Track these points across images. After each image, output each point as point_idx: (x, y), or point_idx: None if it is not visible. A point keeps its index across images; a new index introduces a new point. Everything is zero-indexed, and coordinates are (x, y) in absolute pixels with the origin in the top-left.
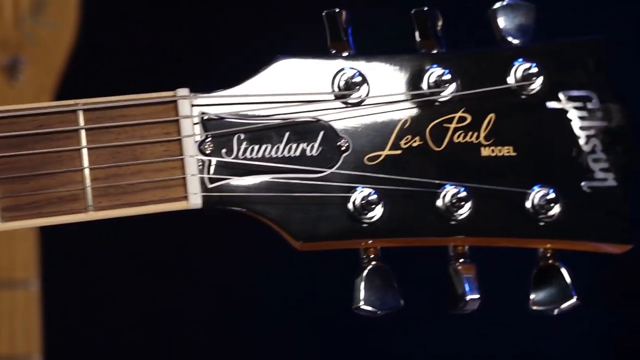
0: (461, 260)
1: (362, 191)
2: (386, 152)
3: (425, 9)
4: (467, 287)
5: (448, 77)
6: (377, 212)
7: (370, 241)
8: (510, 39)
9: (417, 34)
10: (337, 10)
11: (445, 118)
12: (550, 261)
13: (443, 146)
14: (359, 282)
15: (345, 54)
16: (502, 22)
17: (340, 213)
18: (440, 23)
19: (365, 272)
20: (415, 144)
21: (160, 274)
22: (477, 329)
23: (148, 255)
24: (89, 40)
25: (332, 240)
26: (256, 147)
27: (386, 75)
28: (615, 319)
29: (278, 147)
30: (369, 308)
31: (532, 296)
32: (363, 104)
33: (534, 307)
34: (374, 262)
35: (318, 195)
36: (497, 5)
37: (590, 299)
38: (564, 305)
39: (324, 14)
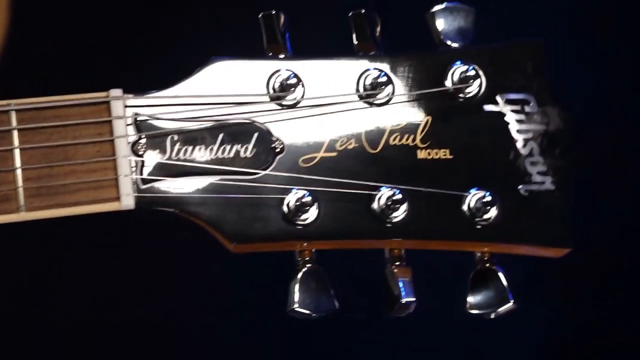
0: (397, 263)
1: (296, 193)
2: (321, 154)
3: (363, 11)
4: (402, 290)
5: (384, 79)
6: (312, 214)
7: (305, 243)
8: (448, 42)
9: (354, 36)
10: (274, 12)
11: (382, 120)
12: (487, 264)
13: (379, 149)
14: (293, 285)
15: (281, 55)
16: (440, 24)
17: (275, 215)
18: (378, 25)
19: (300, 274)
20: (350, 147)
21: (113, 256)
22: (413, 332)
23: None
24: (20, 40)
25: (266, 242)
26: (190, 148)
27: (322, 77)
28: (553, 321)
29: (212, 149)
30: (303, 310)
31: (469, 299)
32: (298, 105)
33: (471, 311)
34: (308, 265)
35: (252, 197)
36: (436, 8)
37: (530, 301)
38: (501, 309)
39: (260, 16)
